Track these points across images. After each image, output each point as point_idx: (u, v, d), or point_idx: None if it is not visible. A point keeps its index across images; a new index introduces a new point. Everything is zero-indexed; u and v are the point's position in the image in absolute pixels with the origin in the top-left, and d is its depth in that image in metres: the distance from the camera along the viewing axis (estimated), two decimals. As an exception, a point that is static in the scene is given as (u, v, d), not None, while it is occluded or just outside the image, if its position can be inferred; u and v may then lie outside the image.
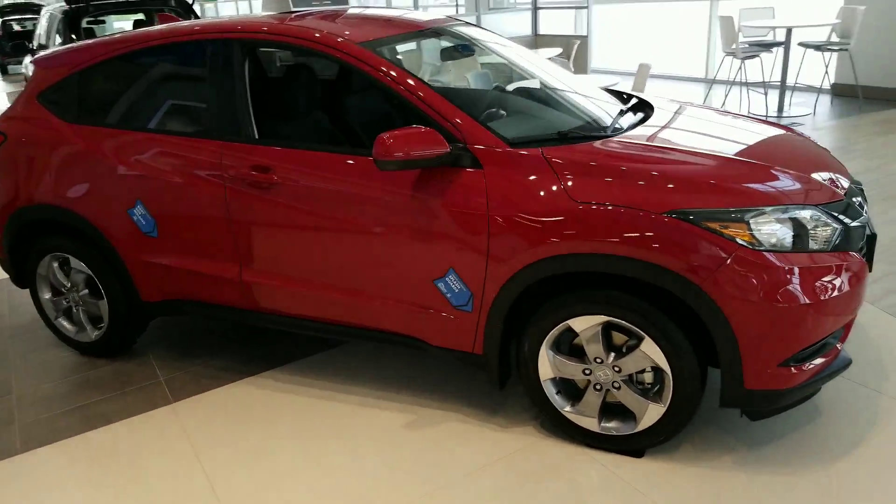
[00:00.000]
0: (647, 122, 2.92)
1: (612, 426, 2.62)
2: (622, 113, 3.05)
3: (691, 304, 2.30)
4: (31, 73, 3.59)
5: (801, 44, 8.24)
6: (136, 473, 2.73)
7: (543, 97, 3.22)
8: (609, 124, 2.88)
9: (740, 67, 8.74)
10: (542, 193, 2.45)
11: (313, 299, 2.97)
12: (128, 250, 3.27)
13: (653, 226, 2.29)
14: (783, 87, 8.43)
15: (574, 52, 8.31)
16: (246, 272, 3.06)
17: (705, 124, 3.05)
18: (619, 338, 2.53)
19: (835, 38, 8.22)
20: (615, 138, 2.69)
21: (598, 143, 2.62)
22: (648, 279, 2.33)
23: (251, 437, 2.91)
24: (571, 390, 2.69)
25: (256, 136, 2.94)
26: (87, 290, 3.53)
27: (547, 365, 2.62)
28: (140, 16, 9.93)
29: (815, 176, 2.58)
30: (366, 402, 3.10)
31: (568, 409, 2.66)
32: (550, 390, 2.67)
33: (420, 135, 2.49)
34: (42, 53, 3.66)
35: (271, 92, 3.19)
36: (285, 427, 2.96)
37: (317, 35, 2.85)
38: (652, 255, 2.29)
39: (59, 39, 7.50)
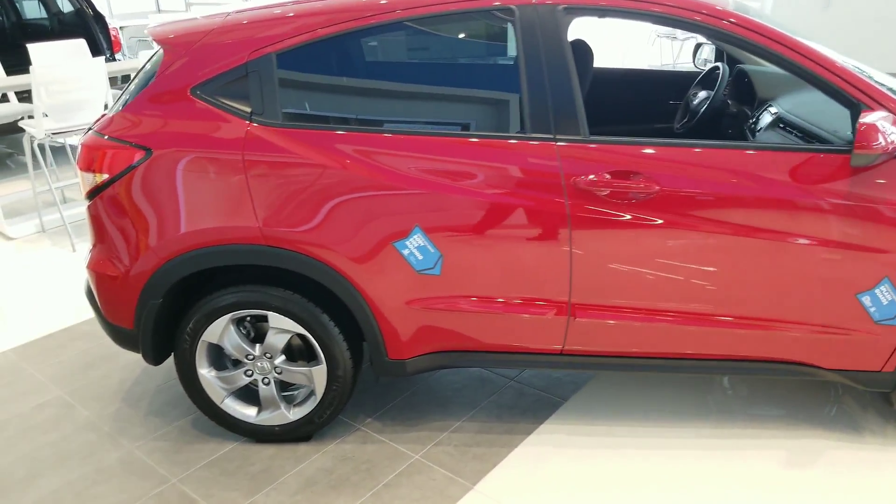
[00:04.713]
0: None
1: None
2: None
3: None
4: (159, 55, 2.48)
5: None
6: None
7: None
8: None
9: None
10: None
11: (674, 332, 2.41)
12: (384, 295, 2.40)
13: None
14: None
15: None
16: (580, 308, 2.39)
17: None
18: None
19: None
20: None
21: None
22: None
23: (633, 514, 2.31)
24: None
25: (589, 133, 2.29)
26: (284, 356, 2.57)
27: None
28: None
29: None
30: (701, 444, 2.61)
31: None
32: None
33: (891, 120, 2.08)
34: (167, 25, 2.54)
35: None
36: (658, 487, 2.39)
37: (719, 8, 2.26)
38: None
39: None
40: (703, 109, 3.13)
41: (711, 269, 2.31)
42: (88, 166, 2.44)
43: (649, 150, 2.26)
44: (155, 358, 2.61)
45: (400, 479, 2.49)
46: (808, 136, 2.51)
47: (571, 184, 2.24)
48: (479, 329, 2.47)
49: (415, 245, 2.34)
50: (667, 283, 2.34)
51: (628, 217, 2.25)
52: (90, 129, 2.56)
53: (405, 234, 2.32)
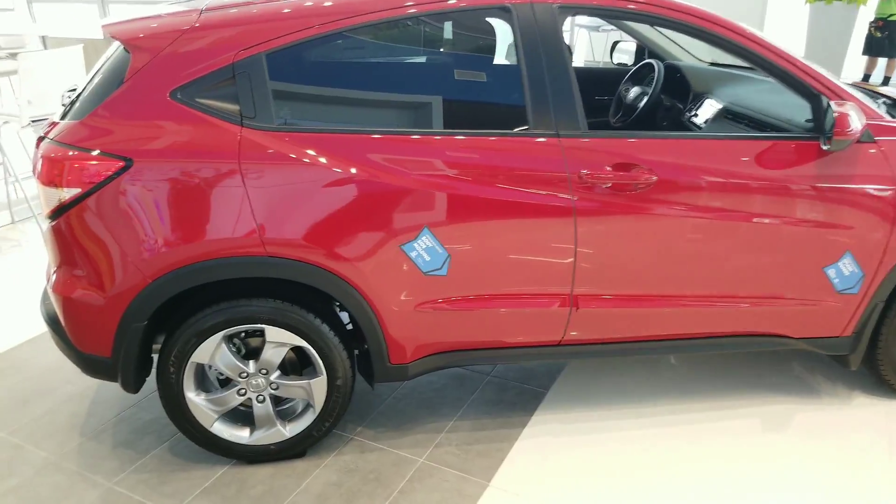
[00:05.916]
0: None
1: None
2: None
3: None
4: (121, 55, 2.27)
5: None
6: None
7: None
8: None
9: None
10: None
11: (668, 315, 2.54)
12: (388, 299, 2.35)
13: None
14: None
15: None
16: (583, 299, 2.46)
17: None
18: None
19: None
20: None
21: None
22: None
23: (668, 491, 2.41)
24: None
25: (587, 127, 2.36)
26: (279, 371, 2.45)
27: (917, 330, 2.69)
28: None
29: None
30: (682, 419, 2.78)
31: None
32: (906, 354, 2.75)
33: (856, 108, 2.31)
34: (128, 23, 2.33)
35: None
36: (658, 464, 2.52)
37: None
38: None
39: None
40: (642, 104, 3.31)
41: (707, 252, 2.46)
42: (52, 180, 2.20)
43: (646, 143, 2.37)
44: (136, 385, 2.40)
45: (413, 485, 2.45)
46: (759, 125, 2.73)
47: (576, 178, 2.31)
48: (481, 327, 2.48)
49: (423, 246, 2.31)
50: (663, 269, 2.47)
51: (627, 208, 2.35)
52: (43, 137, 2.30)
53: (413, 236, 2.29)
